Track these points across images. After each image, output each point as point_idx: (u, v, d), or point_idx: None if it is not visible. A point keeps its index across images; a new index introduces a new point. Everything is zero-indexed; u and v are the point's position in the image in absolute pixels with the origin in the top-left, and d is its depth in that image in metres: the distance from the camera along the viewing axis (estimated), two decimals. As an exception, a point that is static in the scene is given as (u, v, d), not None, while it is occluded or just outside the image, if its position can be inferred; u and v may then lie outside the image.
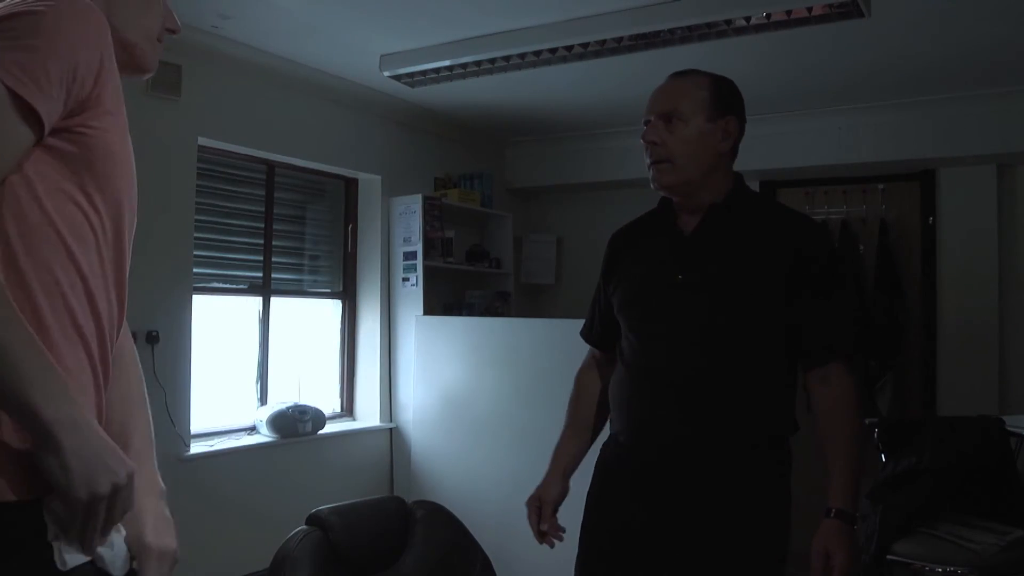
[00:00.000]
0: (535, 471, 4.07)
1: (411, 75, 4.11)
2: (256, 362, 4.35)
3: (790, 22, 3.28)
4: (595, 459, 2.01)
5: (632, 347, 1.91)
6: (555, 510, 1.96)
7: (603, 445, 2.02)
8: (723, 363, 1.80)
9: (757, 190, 5.30)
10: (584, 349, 2.16)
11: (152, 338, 3.46)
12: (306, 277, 4.73)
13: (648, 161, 1.88)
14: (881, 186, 4.97)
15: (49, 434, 0.96)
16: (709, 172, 1.87)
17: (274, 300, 4.44)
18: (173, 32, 1.31)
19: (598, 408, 2.07)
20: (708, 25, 3.34)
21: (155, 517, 1.22)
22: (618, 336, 1.98)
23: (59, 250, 1.06)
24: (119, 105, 1.15)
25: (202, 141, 3.87)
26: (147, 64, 1.27)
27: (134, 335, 1.39)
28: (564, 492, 1.99)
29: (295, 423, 4.18)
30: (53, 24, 1.03)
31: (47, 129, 1.03)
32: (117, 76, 1.14)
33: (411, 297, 4.78)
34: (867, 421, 3.65)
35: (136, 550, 1.18)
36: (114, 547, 1.09)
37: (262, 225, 4.40)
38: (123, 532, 1.12)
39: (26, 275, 1.03)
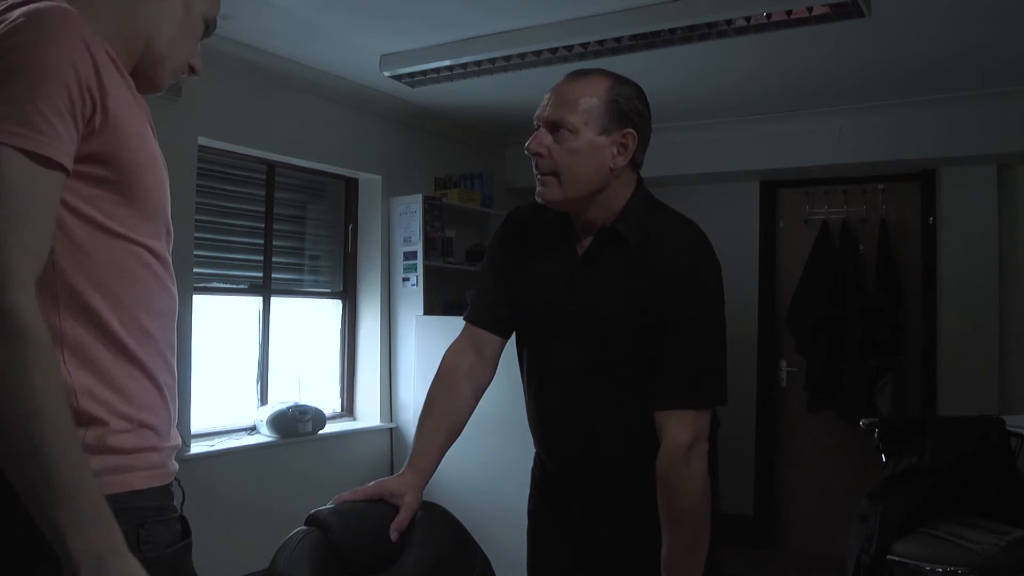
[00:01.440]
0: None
1: (411, 75, 4.11)
2: (256, 362, 4.35)
3: (790, 22, 3.28)
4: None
5: (535, 372, 1.86)
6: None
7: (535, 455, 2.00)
8: (614, 399, 1.75)
9: (757, 191, 5.30)
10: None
11: (152, 338, 3.45)
12: (306, 277, 4.73)
13: (534, 172, 1.74)
14: (881, 186, 4.97)
15: (70, 565, 0.98)
16: (599, 190, 1.71)
17: (274, 300, 4.44)
18: (194, 72, 1.31)
19: (466, 402, 1.84)
20: (708, 25, 3.34)
21: None
22: (508, 323, 1.88)
23: (118, 271, 1.12)
24: (129, 105, 1.14)
25: (202, 141, 3.87)
26: (161, 84, 1.27)
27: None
28: (417, 505, 1.61)
29: (295, 423, 4.19)
30: (22, 59, 1.01)
31: (68, 164, 1.04)
32: (118, 74, 1.13)
33: (411, 297, 4.79)
34: (867, 421, 3.65)
35: None
36: None
37: (262, 225, 4.40)
38: None
39: (91, 301, 1.10)
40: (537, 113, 1.73)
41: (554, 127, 1.69)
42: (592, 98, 1.68)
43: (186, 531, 1.22)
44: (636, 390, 1.71)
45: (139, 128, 1.15)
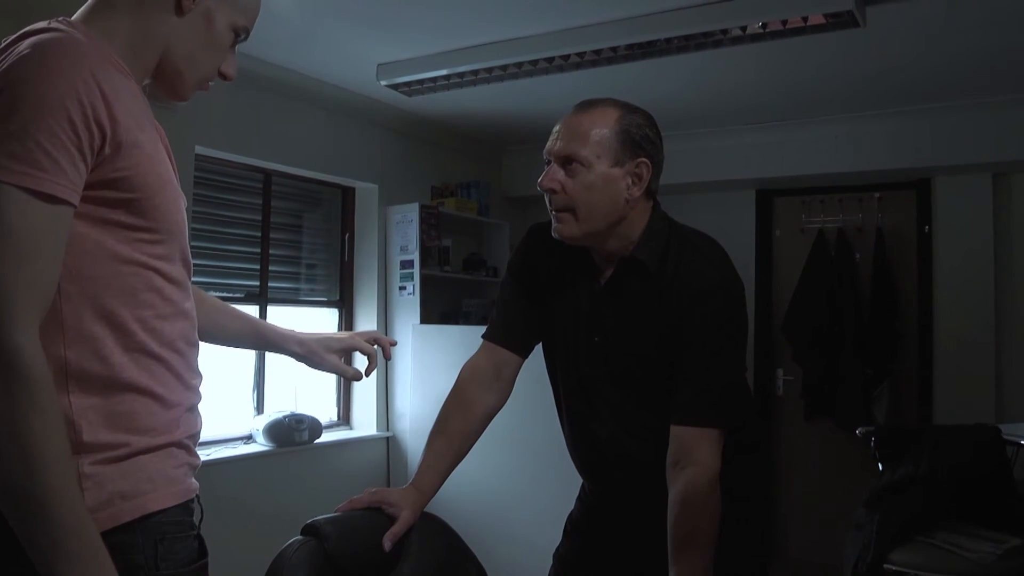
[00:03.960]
0: (531, 481, 4.09)
1: (408, 84, 4.12)
2: (253, 371, 4.35)
3: (786, 32, 3.30)
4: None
5: (568, 401, 1.85)
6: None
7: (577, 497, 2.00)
8: (649, 425, 1.72)
9: (753, 199, 5.32)
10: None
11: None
12: (303, 286, 4.73)
13: (549, 208, 1.72)
14: (877, 195, 4.98)
15: None
16: (616, 222, 1.68)
17: (271, 309, 4.44)
18: (226, 79, 1.31)
19: (479, 424, 1.81)
20: (704, 35, 3.35)
21: (323, 337, 1.61)
22: (528, 342, 1.86)
23: (126, 297, 1.12)
24: (142, 128, 1.13)
25: (199, 150, 3.87)
26: (184, 95, 1.27)
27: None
28: (414, 521, 1.60)
29: (292, 432, 4.18)
30: (25, 92, 1.00)
31: (75, 200, 1.03)
32: (131, 95, 1.13)
33: (408, 306, 4.78)
34: (863, 429, 3.65)
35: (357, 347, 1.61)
36: None
37: (259, 234, 4.40)
38: None
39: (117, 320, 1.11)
40: (547, 147, 1.70)
41: (566, 161, 1.66)
42: (603, 129, 1.65)
43: (203, 550, 1.21)
44: (667, 415, 1.69)
45: (152, 150, 1.14)
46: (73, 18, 1.16)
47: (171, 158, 1.26)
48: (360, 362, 1.67)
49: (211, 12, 1.22)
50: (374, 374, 5.10)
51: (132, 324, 1.12)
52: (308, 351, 1.60)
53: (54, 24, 1.10)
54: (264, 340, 1.62)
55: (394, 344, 1.69)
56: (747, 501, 1.73)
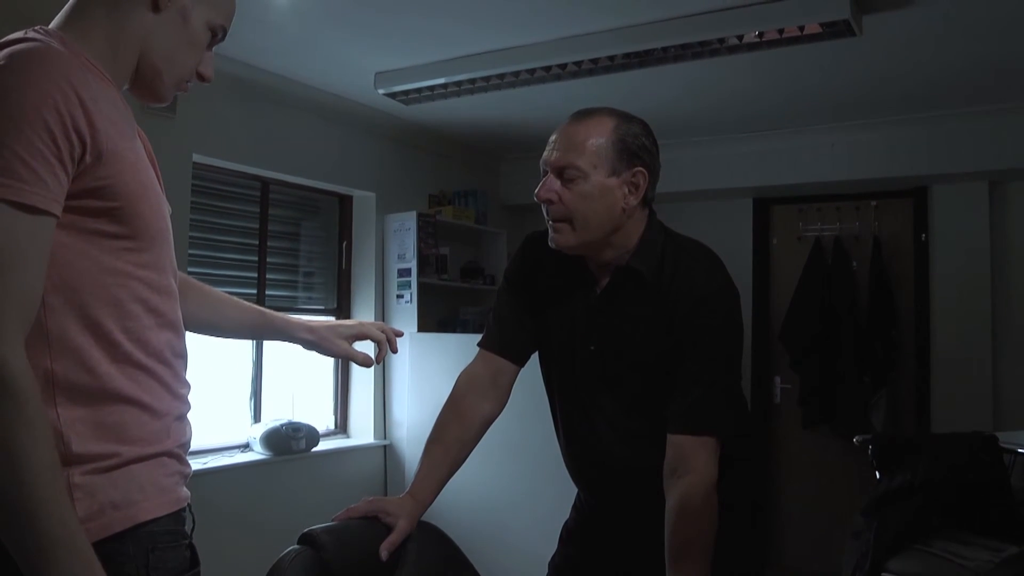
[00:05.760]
0: (528, 489, 4.08)
1: (406, 93, 4.13)
2: (250, 379, 4.34)
3: (782, 41, 3.30)
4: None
5: (564, 410, 1.84)
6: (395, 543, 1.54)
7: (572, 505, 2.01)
8: (646, 434, 1.71)
9: (750, 207, 5.32)
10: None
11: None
12: (300, 294, 4.73)
13: (546, 218, 1.72)
14: (874, 203, 5.00)
15: None
16: (613, 231, 1.68)
17: (268, 317, 4.42)
18: (203, 79, 1.30)
19: (476, 433, 1.81)
20: (701, 44, 3.36)
21: (333, 324, 1.63)
22: (525, 350, 1.86)
23: (111, 308, 1.11)
24: (123, 135, 1.13)
25: (197, 158, 3.87)
26: (163, 96, 1.26)
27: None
28: (411, 530, 1.58)
29: (289, 440, 4.17)
30: (5, 102, 0.99)
31: (56, 210, 1.03)
32: (110, 102, 1.12)
33: (405, 314, 4.78)
34: (861, 438, 3.65)
35: (367, 334, 1.62)
36: None
37: (256, 242, 4.39)
38: None
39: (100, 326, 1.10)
40: (544, 157, 1.70)
41: (563, 171, 1.66)
42: (599, 139, 1.65)
43: (195, 560, 1.21)
44: (663, 424, 1.69)
45: (134, 158, 1.14)
46: (51, 25, 1.16)
47: (154, 164, 1.25)
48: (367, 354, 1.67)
49: (187, 9, 1.22)
50: (372, 380, 5.09)
51: (118, 335, 1.12)
52: (319, 337, 1.61)
53: (31, 33, 1.10)
54: (272, 328, 1.59)
55: (400, 335, 1.68)
56: (732, 510, 1.72)
